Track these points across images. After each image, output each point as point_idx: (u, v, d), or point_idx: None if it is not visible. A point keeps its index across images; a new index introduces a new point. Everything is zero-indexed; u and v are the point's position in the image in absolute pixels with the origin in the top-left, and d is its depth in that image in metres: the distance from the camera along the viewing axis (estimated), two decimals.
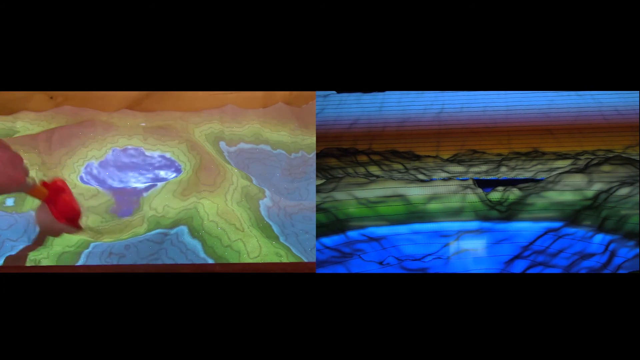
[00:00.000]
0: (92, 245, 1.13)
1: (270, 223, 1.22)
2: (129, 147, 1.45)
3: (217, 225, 1.16)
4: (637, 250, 1.36)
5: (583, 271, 1.42)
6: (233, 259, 1.08)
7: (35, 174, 1.24)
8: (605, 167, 1.83)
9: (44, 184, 1.15)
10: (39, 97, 1.51)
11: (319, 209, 1.70)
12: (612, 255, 1.40)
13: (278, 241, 1.13)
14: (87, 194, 1.32)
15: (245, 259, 1.07)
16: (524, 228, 1.70)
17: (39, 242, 1.15)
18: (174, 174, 1.40)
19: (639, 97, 2.40)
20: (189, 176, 1.36)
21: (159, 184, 1.34)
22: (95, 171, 1.37)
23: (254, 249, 1.09)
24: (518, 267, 1.54)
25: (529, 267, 1.52)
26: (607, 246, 1.44)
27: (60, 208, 1.16)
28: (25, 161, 1.06)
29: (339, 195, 1.88)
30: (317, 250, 1.54)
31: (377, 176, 2.30)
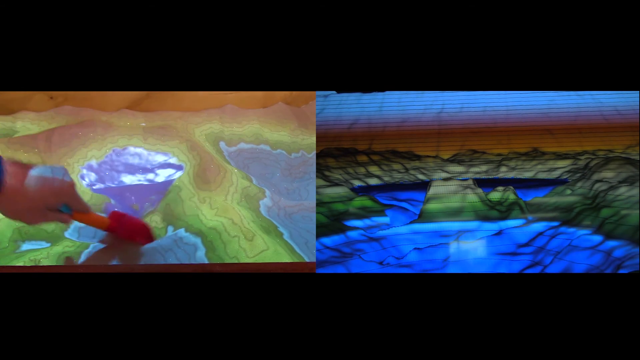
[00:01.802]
0: (92, 245, 1.13)
1: (270, 222, 1.21)
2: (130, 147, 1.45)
3: (217, 221, 1.16)
4: (637, 250, 1.36)
5: (583, 271, 1.42)
6: (232, 255, 1.08)
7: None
8: (606, 167, 1.83)
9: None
10: (39, 97, 1.51)
11: (319, 208, 1.70)
12: (612, 255, 1.40)
13: (278, 239, 1.13)
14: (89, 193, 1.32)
15: (244, 256, 1.07)
16: (523, 228, 1.70)
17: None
18: (175, 175, 1.40)
19: (639, 97, 2.40)
20: (189, 177, 1.36)
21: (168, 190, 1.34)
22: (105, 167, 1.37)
23: (253, 247, 1.09)
24: (517, 267, 1.54)
25: (527, 267, 1.53)
26: (606, 246, 1.44)
27: (128, 229, 1.13)
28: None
29: (339, 195, 1.88)
30: (317, 250, 1.54)
31: (377, 176, 2.30)
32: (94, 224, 1.09)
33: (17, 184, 0.88)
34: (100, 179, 1.36)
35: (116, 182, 1.36)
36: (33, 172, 0.90)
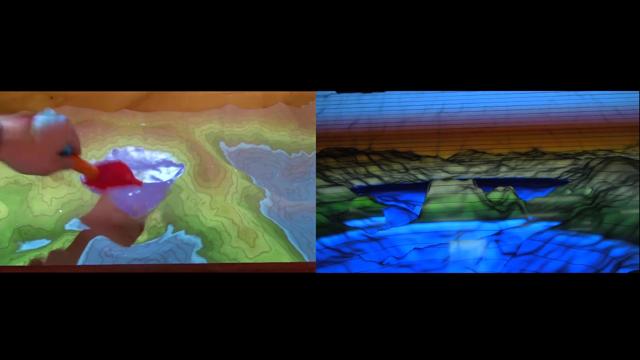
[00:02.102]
0: (91, 241, 1.13)
1: (270, 222, 1.22)
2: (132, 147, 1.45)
3: (217, 221, 1.16)
4: (637, 250, 1.36)
5: (582, 271, 1.42)
6: (232, 256, 1.08)
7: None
8: (606, 167, 1.83)
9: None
10: (39, 97, 1.51)
11: (319, 208, 1.70)
12: (612, 255, 1.40)
13: (279, 240, 1.13)
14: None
15: (244, 257, 1.08)
16: (523, 228, 1.70)
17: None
18: (175, 175, 1.40)
19: (639, 97, 2.40)
20: (189, 177, 1.36)
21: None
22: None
23: (254, 247, 1.09)
24: (517, 267, 1.54)
25: (527, 267, 1.52)
26: (606, 246, 1.44)
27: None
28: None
29: (340, 195, 1.88)
30: (317, 250, 1.54)
31: (377, 176, 2.30)
32: (85, 169, 1.07)
33: (22, 136, 0.86)
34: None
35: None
36: (38, 122, 0.88)
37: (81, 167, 1.06)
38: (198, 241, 1.14)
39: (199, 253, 1.11)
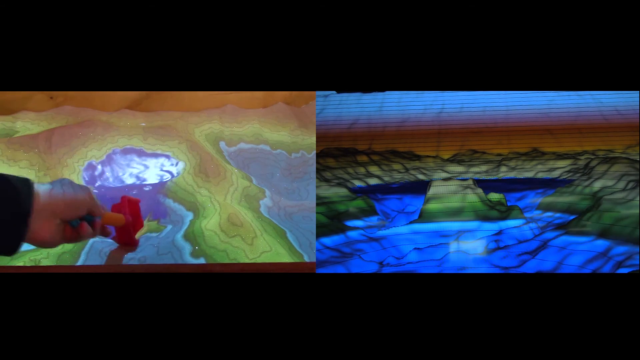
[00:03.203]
0: (90, 241, 1.13)
1: (271, 222, 1.22)
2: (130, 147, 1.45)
3: (217, 221, 1.16)
4: (637, 250, 1.37)
5: (582, 271, 1.42)
6: (233, 256, 1.08)
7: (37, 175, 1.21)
8: (605, 168, 1.83)
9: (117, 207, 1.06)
10: (39, 97, 1.51)
11: (319, 208, 1.70)
12: (612, 255, 1.40)
13: (279, 240, 1.13)
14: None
15: (244, 257, 1.07)
16: (522, 228, 1.70)
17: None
18: (175, 175, 1.40)
19: (639, 97, 2.40)
20: (189, 177, 1.36)
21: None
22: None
23: (254, 247, 1.09)
24: (516, 267, 1.54)
25: (526, 267, 1.53)
26: (606, 246, 1.44)
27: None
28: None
29: (339, 195, 1.88)
30: (317, 250, 1.54)
31: (377, 176, 2.30)
32: (115, 222, 1.03)
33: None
34: (100, 179, 1.36)
35: (116, 182, 1.36)
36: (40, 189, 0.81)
37: (111, 221, 1.00)
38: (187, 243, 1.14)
39: (197, 253, 1.11)
